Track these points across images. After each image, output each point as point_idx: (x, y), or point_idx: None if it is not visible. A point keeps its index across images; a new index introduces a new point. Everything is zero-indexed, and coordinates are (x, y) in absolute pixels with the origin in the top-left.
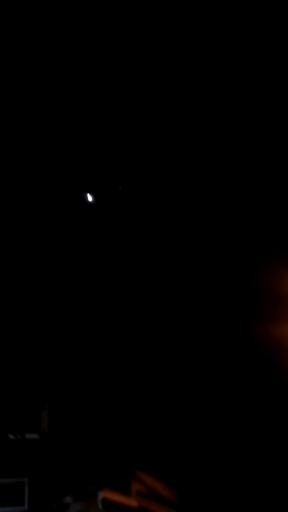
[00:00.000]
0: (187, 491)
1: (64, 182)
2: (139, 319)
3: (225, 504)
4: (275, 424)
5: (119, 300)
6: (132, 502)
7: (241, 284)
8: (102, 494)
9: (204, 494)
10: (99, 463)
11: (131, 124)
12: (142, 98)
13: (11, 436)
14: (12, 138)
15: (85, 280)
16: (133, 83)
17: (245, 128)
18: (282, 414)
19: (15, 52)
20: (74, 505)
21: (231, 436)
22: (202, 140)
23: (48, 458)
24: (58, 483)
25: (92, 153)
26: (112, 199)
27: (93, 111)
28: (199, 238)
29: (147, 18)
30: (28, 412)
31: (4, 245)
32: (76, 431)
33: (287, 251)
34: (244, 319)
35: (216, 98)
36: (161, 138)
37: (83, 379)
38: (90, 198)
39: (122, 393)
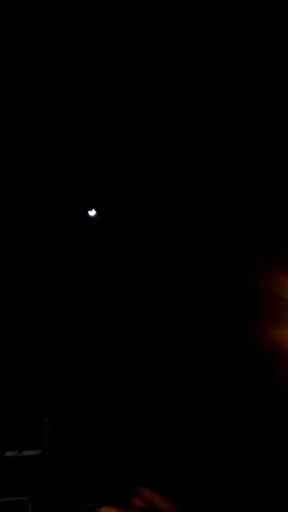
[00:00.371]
0: (189, 506)
1: (65, 196)
2: (138, 327)
3: None
4: (279, 434)
5: (118, 312)
6: None
7: (240, 288)
8: (102, 511)
9: (207, 509)
10: (100, 478)
11: (132, 138)
12: (144, 111)
13: (9, 453)
14: (13, 149)
15: (87, 294)
16: (134, 95)
17: (244, 130)
18: (283, 422)
19: (16, 57)
20: None
21: (233, 448)
22: (202, 149)
23: (50, 475)
24: (60, 500)
25: (93, 168)
26: (114, 214)
27: (94, 124)
28: (199, 244)
29: (147, 18)
30: (28, 428)
31: (6, 255)
32: (77, 446)
33: (286, 255)
34: (243, 323)
35: (217, 104)
36: (162, 151)
37: (84, 393)
38: (92, 213)
39: (122, 407)
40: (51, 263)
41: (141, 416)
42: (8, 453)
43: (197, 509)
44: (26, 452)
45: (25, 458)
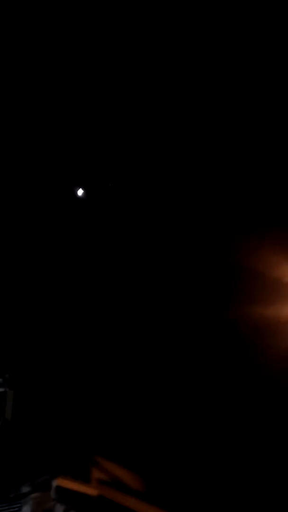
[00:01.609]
0: (153, 479)
1: (55, 177)
2: (116, 304)
3: (195, 493)
4: (251, 406)
5: (90, 284)
6: (91, 491)
7: (226, 267)
8: (55, 482)
9: (173, 482)
10: (58, 450)
11: (122, 120)
12: (134, 94)
13: None
14: (6, 135)
15: (64, 265)
16: (125, 79)
17: (241, 125)
18: (260, 397)
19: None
20: (32, 495)
21: (201, 417)
22: (193, 135)
23: (6, 446)
24: (15, 472)
25: (82, 149)
26: (103, 194)
27: (85, 108)
28: (194, 229)
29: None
30: None
31: None
32: (34, 417)
33: (279, 237)
34: (231, 303)
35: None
36: (151, 133)
37: (47, 364)
38: (80, 193)
39: (84, 377)
40: (40, 241)
41: (104, 385)
42: None
43: (163, 482)
44: None
45: None
